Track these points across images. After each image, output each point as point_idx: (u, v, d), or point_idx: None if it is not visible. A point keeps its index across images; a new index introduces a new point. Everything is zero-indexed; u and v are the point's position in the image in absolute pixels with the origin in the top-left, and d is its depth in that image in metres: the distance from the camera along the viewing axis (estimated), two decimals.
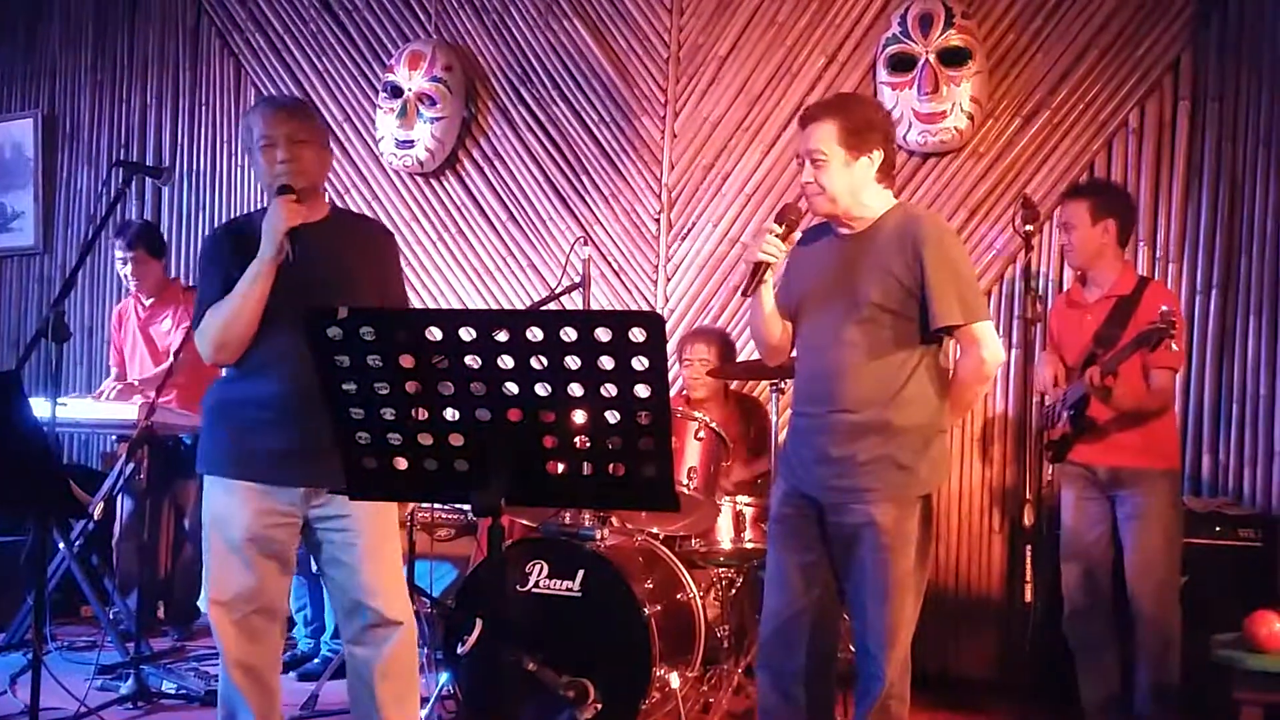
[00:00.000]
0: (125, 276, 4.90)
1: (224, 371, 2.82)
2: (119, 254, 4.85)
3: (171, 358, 4.52)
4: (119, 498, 4.76)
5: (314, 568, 3.52)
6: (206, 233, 5.83)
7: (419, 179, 5.40)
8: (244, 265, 2.64)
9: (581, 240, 4.17)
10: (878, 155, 2.70)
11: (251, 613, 2.71)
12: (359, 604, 2.73)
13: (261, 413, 2.65)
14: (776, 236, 2.70)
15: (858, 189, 2.70)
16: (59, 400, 3.81)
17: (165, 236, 5.88)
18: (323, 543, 2.74)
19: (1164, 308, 3.28)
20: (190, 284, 5.15)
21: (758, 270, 2.73)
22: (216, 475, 2.72)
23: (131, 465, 4.30)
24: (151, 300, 4.91)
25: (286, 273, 2.63)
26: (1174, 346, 3.27)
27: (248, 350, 2.67)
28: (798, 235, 2.79)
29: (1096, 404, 3.45)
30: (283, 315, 2.58)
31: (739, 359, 4.54)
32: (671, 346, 4.59)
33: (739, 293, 3.29)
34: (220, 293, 2.67)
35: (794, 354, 2.92)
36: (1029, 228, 3.64)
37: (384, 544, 2.77)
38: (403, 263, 5.31)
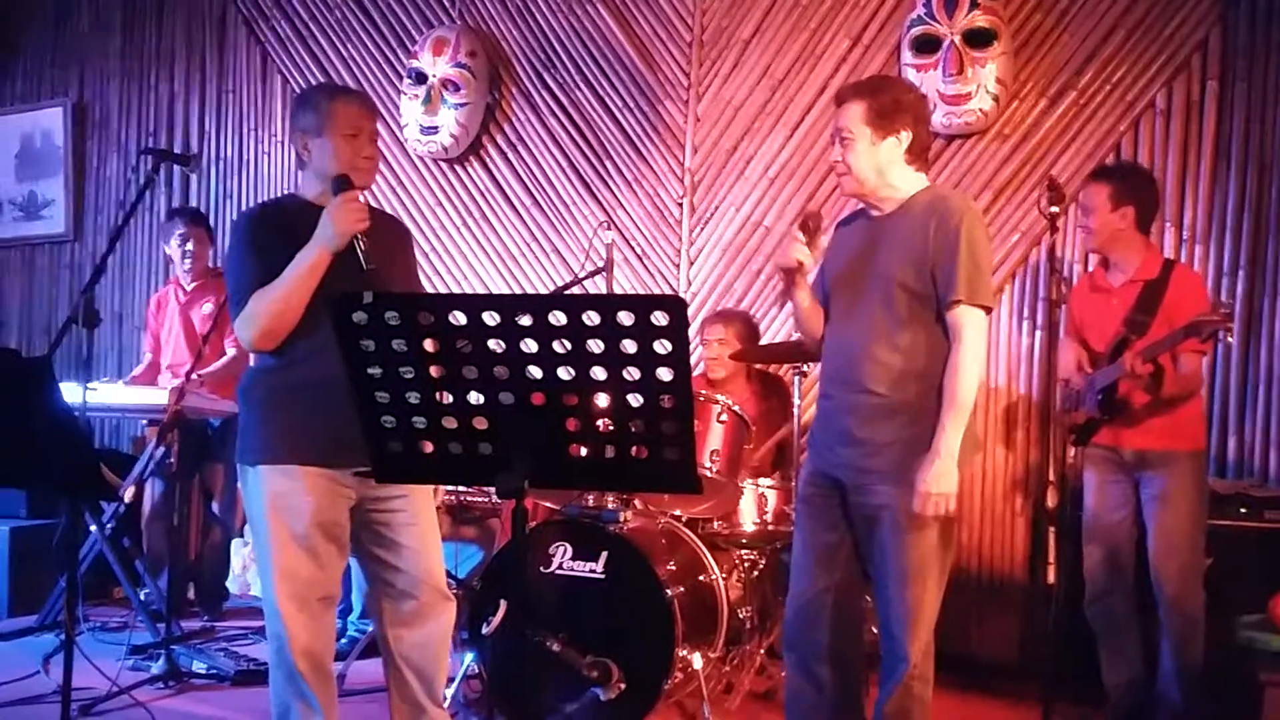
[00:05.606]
0: (185, 254, 4.91)
1: (254, 359, 2.79)
2: (179, 231, 4.90)
3: (203, 343, 4.59)
4: (149, 481, 4.82)
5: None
6: (233, 220, 5.89)
7: (443, 165, 5.43)
8: (289, 251, 2.59)
9: (604, 225, 4.19)
10: (906, 136, 2.68)
11: (316, 600, 2.66)
12: (420, 583, 2.71)
13: (318, 397, 2.58)
14: (801, 243, 2.74)
15: (883, 169, 2.70)
16: (89, 385, 3.87)
17: None
18: (378, 524, 2.71)
19: (1223, 304, 3.24)
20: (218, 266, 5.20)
21: (788, 276, 2.80)
22: (278, 464, 2.64)
23: (162, 449, 4.36)
24: (194, 285, 4.96)
25: (336, 261, 2.60)
26: (1230, 340, 3.23)
27: (292, 337, 2.62)
28: (824, 240, 2.81)
29: (1127, 387, 3.43)
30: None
31: (764, 341, 4.54)
32: (693, 330, 4.61)
33: (775, 291, 3.34)
34: (265, 278, 2.60)
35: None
36: (1054, 209, 3.61)
37: (434, 524, 2.80)
38: (427, 248, 5.39)
